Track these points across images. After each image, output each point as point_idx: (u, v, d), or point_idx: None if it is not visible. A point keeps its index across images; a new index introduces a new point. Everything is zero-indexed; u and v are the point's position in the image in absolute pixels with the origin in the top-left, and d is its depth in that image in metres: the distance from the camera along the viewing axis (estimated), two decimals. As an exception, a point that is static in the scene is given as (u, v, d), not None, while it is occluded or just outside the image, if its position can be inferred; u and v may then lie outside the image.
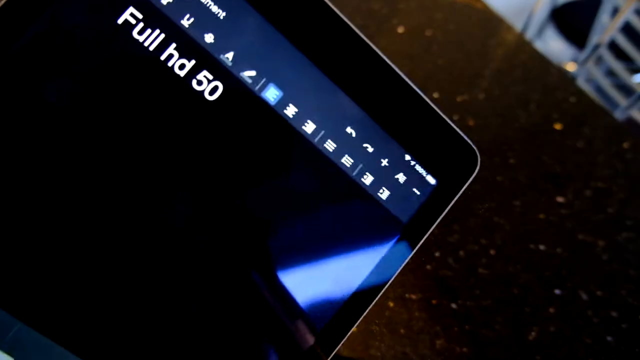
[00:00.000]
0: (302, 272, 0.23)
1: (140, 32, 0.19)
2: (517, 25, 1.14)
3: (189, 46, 0.20)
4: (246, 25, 0.20)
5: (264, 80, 0.21)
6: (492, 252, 0.43)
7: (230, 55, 0.20)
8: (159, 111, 0.20)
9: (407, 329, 0.36)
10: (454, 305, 0.38)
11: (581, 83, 1.17)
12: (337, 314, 0.23)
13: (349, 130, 0.22)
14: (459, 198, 0.24)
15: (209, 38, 0.20)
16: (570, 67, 1.31)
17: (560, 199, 0.48)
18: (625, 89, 1.15)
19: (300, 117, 0.21)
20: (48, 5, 0.18)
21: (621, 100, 1.14)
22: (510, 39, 0.62)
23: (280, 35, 0.21)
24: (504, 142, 0.51)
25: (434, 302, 0.38)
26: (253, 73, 0.21)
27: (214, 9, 0.20)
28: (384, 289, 0.24)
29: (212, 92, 0.20)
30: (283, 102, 0.21)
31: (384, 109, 0.23)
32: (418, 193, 0.24)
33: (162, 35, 0.19)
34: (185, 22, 0.19)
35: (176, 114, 0.20)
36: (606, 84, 1.17)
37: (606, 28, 1.13)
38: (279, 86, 0.21)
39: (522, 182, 0.49)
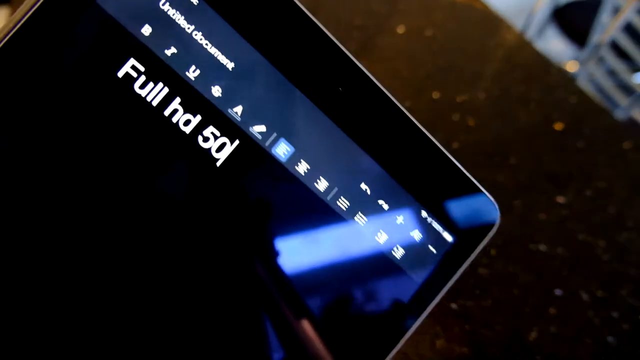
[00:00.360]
0: (313, 326, 0.22)
1: (142, 86, 0.17)
2: (518, 25, 1.14)
3: (194, 100, 0.18)
4: (256, 76, 0.19)
5: (274, 135, 0.19)
6: (492, 252, 0.43)
7: (238, 110, 0.19)
8: (163, 170, 0.18)
9: (407, 329, 0.36)
10: (454, 306, 0.38)
11: (582, 83, 1.17)
12: None
13: (363, 186, 0.21)
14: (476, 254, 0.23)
15: (216, 91, 0.18)
16: (571, 67, 1.31)
17: (560, 199, 0.48)
18: (627, 89, 1.15)
19: (313, 174, 0.20)
20: (41, 57, 0.16)
21: (622, 100, 1.14)
22: (510, 39, 0.62)
23: (291, 86, 0.19)
24: (504, 142, 0.51)
25: (434, 302, 0.38)
26: (263, 128, 0.19)
27: (222, 59, 0.18)
28: (397, 347, 0.22)
29: (219, 149, 0.19)
30: (294, 159, 0.20)
31: (400, 163, 0.21)
32: (434, 251, 0.22)
33: (166, 89, 0.18)
34: (191, 75, 0.18)
35: (181, 173, 0.18)
36: (607, 83, 1.17)
37: (607, 28, 1.14)
38: (290, 141, 0.20)
39: (522, 182, 0.49)
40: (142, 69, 0.17)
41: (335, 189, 0.20)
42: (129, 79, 0.17)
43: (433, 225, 0.22)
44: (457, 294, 0.39)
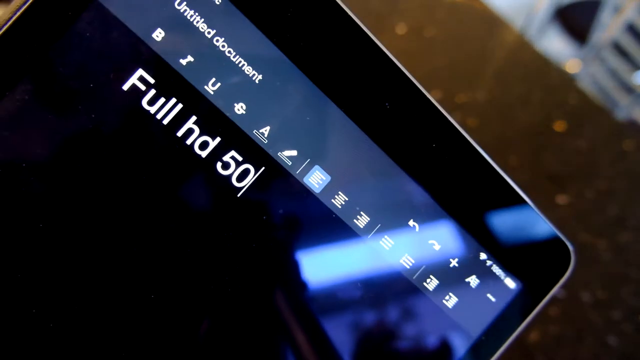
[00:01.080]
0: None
1: (152, 102, 0.14)
2: (518, 25, 1.14)
3: (213, 119, 0.15)
4: (287, 91, 0.16)
5: (307, 161, 0.16)
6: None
7: (266, 131, 0.16)
8: (174, 202, 0.15)
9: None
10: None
11: (583, 82, 1.17)
12: None
13: (411, 223, 0.18)
14: (543, 305, 0.20)
15: (239, 109, 0.15)
16: (572, 67, 1.31)
17: (561, 199, 0.48)
18: (627, 89, 1.15)
19: (352, 208, 0.17)
20: (28, 67, 0.13)
21: (623, 99, 1.14)
22: (510, 39, 0.62)
23: (328, 102, 0.16)
24: (504, 142, 0.51)
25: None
26: (294, 153, 0.16)
27: (248, 70, 0.15)
28: None
29: (241, 178, 0.16)
30: (330, 190, 0.17)
31: (457, 196, 0.18)
32: (493, 300, 0.19)
33: (180, 106, 0.15)
34: (210, 88, 0.15)
35: (196, 205, 0.16)
36: (608, 83, 1.17)
37: (608, 27, 1.14)
38: (326, 169, 0.16)
39: (522, 182, 0.49)
40: (151, 81, 0.14)
41: (378, 226, 0.17)
42: (136, 93, 0.14)
43: (493, 269, 0.19)
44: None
